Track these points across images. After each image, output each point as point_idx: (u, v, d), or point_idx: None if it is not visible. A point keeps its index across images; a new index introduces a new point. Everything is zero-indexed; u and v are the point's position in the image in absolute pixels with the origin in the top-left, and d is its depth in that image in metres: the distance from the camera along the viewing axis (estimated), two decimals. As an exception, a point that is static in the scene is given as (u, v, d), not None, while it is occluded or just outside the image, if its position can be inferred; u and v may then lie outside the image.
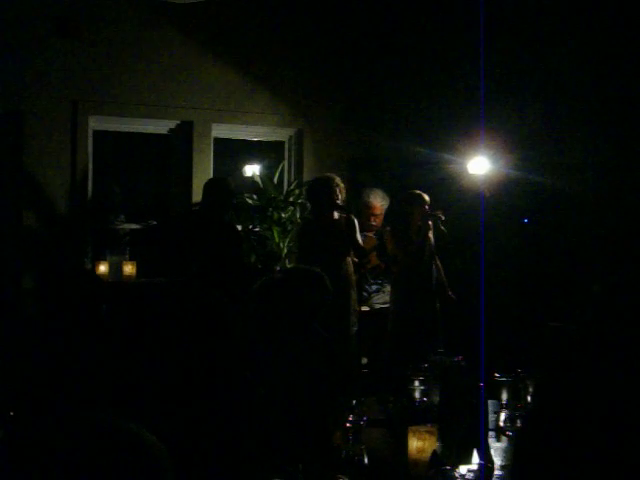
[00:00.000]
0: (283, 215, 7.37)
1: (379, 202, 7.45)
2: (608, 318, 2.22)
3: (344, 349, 5.88)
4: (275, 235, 7.30)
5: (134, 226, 7.47)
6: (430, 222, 6.47)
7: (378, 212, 7.45)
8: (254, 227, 7.46)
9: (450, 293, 6.67)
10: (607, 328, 2.20)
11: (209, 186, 6.74)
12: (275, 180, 7.69)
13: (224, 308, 2.14)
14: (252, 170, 8.01)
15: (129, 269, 6.93)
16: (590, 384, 1.43)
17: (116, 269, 6.93)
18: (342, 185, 6.46)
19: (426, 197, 6.54)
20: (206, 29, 7.55)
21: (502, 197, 6.71)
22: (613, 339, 2.14)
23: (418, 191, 6.59)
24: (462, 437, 3.35)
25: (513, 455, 1.45)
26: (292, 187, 7.67)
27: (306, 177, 7.80)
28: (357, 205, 7.37)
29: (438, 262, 6.61)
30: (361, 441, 3.21)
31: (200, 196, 6.87)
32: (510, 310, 6.62)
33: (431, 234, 6.52)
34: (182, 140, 7.58)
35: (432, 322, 6.49)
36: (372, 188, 7.55)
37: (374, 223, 7.42)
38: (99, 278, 6.79)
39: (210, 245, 6.53)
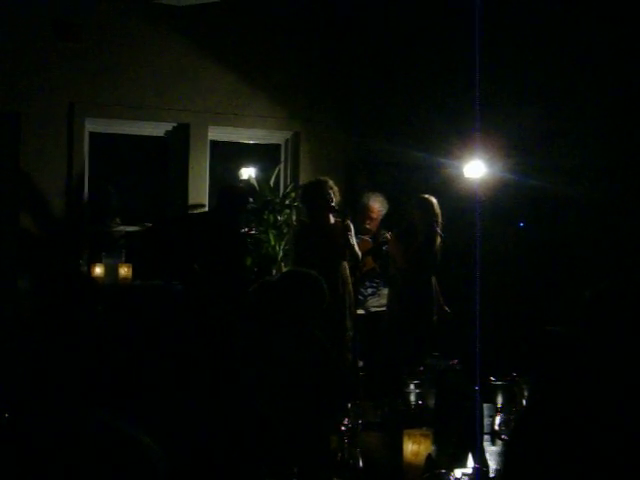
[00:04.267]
0: (279, 218, 7.37)
1: (377, 206, 7.45)
2: (596, 324, 2.23)
3: (341, 353, 5.87)
4: (271, 238, 7.30)
5: (130, 228, 7.46)
6: (437, 229, 6.45)
7: (375, 216, 7.44)
8: (250, 230, 7.45)
9: (446, 308, 6.67)
10: (596, 334, 2.21)
11: (227, 193, 6.77)
12: (271, 183, 7.68)
13: (221, 311, 2.15)
14: (248, 173, 8.01)
15: (125, 271, 6.92)
16: (583, 388, 1.43)
17: (112, 271, 6.91)
18: (335, 188, 6.47)
19: (434, 201, 6.52)
20: (203, 32, 7.55)
21: (498, 201, 6.72)
22: (602, 345, 2.14)
23: (426, 195, 6.59)
24: (457, 441, 3.36)
25: (503, 456, 1.46)
26: (288, 190, 7.67)
27: (302, 180, 7.80)
28: (355, 208, 7.38)
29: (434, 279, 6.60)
30: (356, 444, 3.21)
31: (196, 198, 6.88)
32: (506, 314, 6.62)
33: (438, 242, 6.50)
34: (178, 142, 7.58)
35: (428, 325, 6.49)
36: (374, 192, 7.55)
37: (369, 226, 7.42)
38: (94, 280, 6.81)
39: (218, 250, 6.52)
